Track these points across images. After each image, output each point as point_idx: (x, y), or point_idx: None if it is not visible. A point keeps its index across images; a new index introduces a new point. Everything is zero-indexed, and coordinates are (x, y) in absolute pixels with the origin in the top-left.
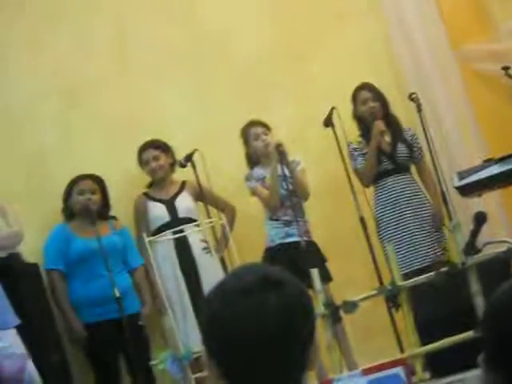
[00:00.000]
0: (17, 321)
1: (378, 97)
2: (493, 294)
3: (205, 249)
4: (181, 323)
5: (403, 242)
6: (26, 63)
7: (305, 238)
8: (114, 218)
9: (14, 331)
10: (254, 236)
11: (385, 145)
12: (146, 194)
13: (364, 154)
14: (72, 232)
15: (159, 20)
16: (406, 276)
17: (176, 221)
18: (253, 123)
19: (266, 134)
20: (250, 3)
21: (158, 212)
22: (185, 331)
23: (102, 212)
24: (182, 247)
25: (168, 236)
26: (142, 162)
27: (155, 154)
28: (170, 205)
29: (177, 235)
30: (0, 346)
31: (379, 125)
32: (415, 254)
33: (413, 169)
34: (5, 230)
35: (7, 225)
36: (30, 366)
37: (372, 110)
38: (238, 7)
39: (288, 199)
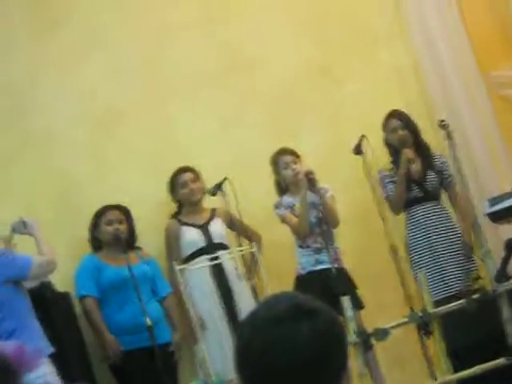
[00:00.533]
0: (50, 349)
1: (408, 124)
2: None
3: (238, 276)
4: (217, 351)
5: (433, 269)
6: (58, 88)
7: (335, 265)
8: (139, 248)
9: (47, 360)
10: (284, 264)
11: (414, 172)
12: (177, 219)
13: (394, 182)
14: (102, 261)
15: (190, 45)
16: (436, 304)
17: (211, 246)
18: (282, 151)
19: (295, 163)
20: (283, 29)
21: (192, 237)
22: (221, 359)
23: (129, 242)
24: (219, 274)
25: (203, 263)
26: (178, 185)
27: (192, 176)
28: (205, 230)
29: (213, 262)
30: (33, 376)
31: (407, 153)
32: (444, 281)
33: (444, 196)
34: (39, 258)
35: (40, 253)
36: (48, 373)
37: (401, 138)
38: (269, 32)
39: (318, 227)
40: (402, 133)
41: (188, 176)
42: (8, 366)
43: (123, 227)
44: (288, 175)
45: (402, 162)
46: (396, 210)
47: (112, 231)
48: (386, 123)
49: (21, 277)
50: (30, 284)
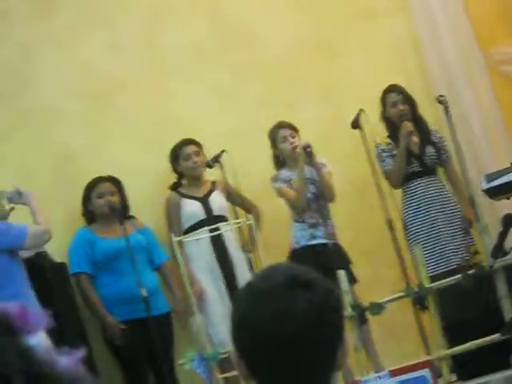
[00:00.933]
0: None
1: (407, 99)
2: None
3: (243, 248)
4: (218, 322)
5: (432, 244)
6: (54, 63)
7: (332, 241)
8: (133, 217)
9: (43, 334)
10: (280, 237)
11: (413, 146)
12: (177, 191)
13: (393, 156)
14: (95, 234)
15: (187, 21)
16: (433, 278)
17: (211, 219)
18: (280, 125)
19: (293, 137)
20: (280, 4)
21: (193, 209)
22: (223, 329)
23: (123, 213)
24: (219, 245)
25: (205, 233)
26: (181, 157)
27: (196, 149)
28: (205, 202)
29: (213, 233)
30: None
31: (408, 126)
32: (443, 256)
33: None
34: (34, 228)
35: (35, 223)
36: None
37: (401, 112)
38: (265, 6)
39: (314, 202)
40: (403, 107)
41: (191, 149)
42: (10, 324)
43: (115, 199)
44: (286, 149)
45: (403, 135)
46: (395, 184)
47: (103, 203)
48: (385, 97)
49: (16, 246)
50: (25, 254)
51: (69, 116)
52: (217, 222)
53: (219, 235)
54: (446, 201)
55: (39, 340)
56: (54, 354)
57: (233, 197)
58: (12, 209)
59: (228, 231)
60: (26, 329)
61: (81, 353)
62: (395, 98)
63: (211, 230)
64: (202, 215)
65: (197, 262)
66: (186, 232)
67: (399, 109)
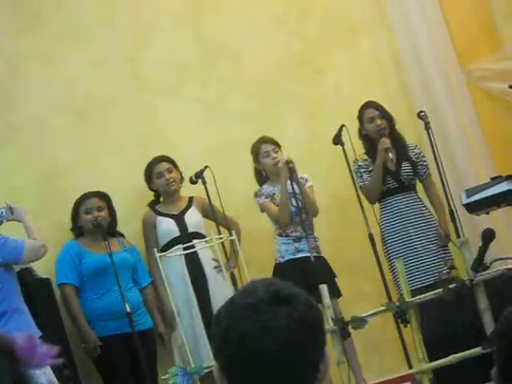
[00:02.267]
0: (39, 333)
1: (384, 115)
2: (504, 310)
3: (216, 267)
4: (191, 339)
5: (408, 260)
6: (40, 78)
7: (314, 254)
8: (121, 235)
9: (49, 371)
10: (263, 253)
11: (390, 163)
12: (154, 209)
13: (370, 172)
14: (83, 248)
15: (171, 37)
16: (412, 293)
17: (186, 236)
18: (263, 140)
19: (275, 152)
20: (264, 20)
21: (167, 227)
22: (195, 347)
23: (110, 228)
24: (193, 262)
25: (179, 251)
26: (154, 176)
27: (168, 166)
28: (180, 219)
29: (187, 251)
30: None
31: (385, 142)
32: (419, 272)
33: (420, 186)
34: (31, 242)
35: (30, 238)
36: (50, 373)
37: (379, 127)
38: (249, 22)
39: (297, 215)
40: (380, 122)
41: (163, 166)
42: (13, 351)
43: (103, 214)
44: (268, 164)
45: (380, 151)
46: (372, 199)
47: (91, 219)
48: (362, 113)
49: (13, 260)
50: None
51: (54, 131)
52: (191, 239)
53: (195, 253)
54: (421, 216)
55: (46, 373)
56: None
57: (209, 213)
58: (0, 223)
59: (204, 248)
60: (29, 361)
61: None
62: (372, 114)
63: (186, 248)
64: (175, 233)
65: (172, 279)
66: (162, 249)
67: (376, 124)
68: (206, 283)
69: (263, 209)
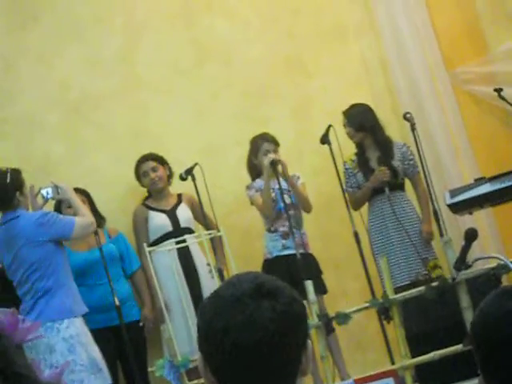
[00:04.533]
0: (85, 309)
1: (361, 128)
2: (480, 304)
3: (210, 272)
4: (182, 332)
5: (391, 257)
6: (35, 74)
7: (301, 251)
8: (102, 218)
9: (81, 320)
10: (252, 248)
11: (375, 162)
12: (145, 204)
13: (355, 175)
14: (68, 247)
15: (163, 36)
16: (396, 291)
17: (178, 231)
18: (266, 138)
19: (275, 152)
20: (253, 22)
21: (159, 221)
22: (188, 339)
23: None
24: (185, 257)
25: (170, 245)
26: (141, 174)
27: (153, 165)
28: (172, 215)
29: (180, 245)
30: (67, 335)
31: (384, 173)
32: (400, 270)
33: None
34: (81, 219)
35: (77, 215)
36: (94, 349)
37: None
38: (240, 25)
39: (286, 211)
40: (352, 138)
41: (148, 165)
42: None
43: None
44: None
45: (375, 177)
46: (354, 208)
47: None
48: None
49: (64, 236)
50: None
51: (47, 127)
52: (183, 234)
53: (187, 247)
54: (405, 215)
55: (76, 332)
56: (39, 364)
57: (196, 212)
58: (45, 202)
59: (194, 243)
60: (11, 336)
61: (66, 365)
62: (347, 131)
63: (178, 242)
64: (169, 227)
65: (163, 273)
66: (153, 244)
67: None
68: (197, 277)
69: (252, 201)
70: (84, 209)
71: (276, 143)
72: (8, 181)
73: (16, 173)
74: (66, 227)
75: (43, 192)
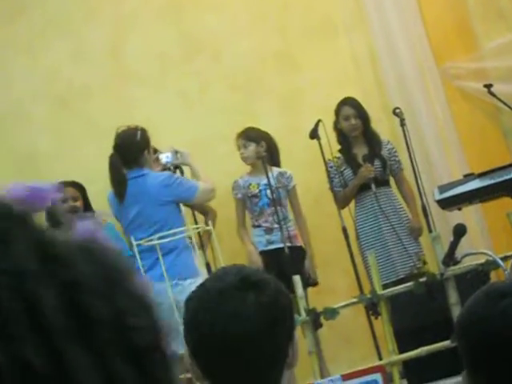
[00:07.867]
0: (205, 274)
1: (360, 114)
2: (466, 302)
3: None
4: (174, 324)
5: (379, 254)
6: (21, 66)
7: (289, 244)
8: (93, 212)
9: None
10: (240, 242)
11: (362, 159)
12: None
13: (341, 173)
14: None
15: (152, 29)
16: (383, 287)
17: None
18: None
19: (245, 147)
20: (242, 15)
21: None
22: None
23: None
24: None
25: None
26: None
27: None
28: None
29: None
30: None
31: (370, 170)
32: (391, 266)
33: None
34: (203, 184)
35: (198, 180)
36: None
37: (353, 127)
38: (229, 18)
39: (270, 207)
40: (355, 122)
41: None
42: (15, 211)
43: (78, 204)
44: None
45: (360, 175)
46: (340, 207)
47: (67, 208)
48: (339, 109)
49: (187, 199)
50: None
51: (35, 120)
52: None
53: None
54: (393, 211)
55: (196, 282)
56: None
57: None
58: (164, 167)
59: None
60: (31, 206)
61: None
62: (348, 112)
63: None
64: None
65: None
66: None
67: (351, 123)
68: None
69: (235, 202)
70: (205, 176)
71: (246, 138)
72: (138, 138)
73: (145, 132)
74: (190, 190)
75: (162, 156)
